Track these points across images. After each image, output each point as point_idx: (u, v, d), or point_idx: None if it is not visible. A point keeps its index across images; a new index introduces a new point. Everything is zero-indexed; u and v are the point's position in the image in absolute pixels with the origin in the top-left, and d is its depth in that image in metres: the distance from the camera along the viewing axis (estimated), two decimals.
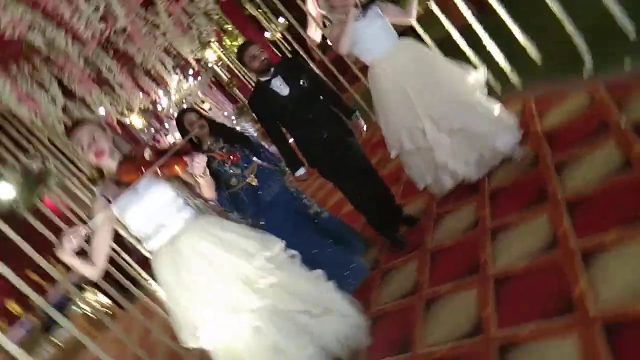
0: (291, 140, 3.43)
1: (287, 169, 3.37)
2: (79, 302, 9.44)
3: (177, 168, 2.13)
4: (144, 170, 2.09)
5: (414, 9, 3.20)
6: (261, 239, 2.40)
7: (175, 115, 3.40)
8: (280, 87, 3.17)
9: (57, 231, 3.43)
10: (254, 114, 3.53)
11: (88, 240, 2.09)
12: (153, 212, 2.22)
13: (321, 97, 3.30)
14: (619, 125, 2.66)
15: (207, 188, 2.31)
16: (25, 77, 4.93)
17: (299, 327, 2.32)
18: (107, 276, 4.10)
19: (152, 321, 4.32)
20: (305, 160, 3.36)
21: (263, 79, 3.20)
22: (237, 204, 3.20)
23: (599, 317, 1.83)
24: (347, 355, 2.43)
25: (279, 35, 10.11)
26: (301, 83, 3.18)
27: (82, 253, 2.08)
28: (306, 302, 2.36)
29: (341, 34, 3.02)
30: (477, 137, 3.06)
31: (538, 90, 3.72)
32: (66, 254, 1.99)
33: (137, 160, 2.14)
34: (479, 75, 3.14)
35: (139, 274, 4.60)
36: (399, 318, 2.74)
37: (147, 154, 2.15)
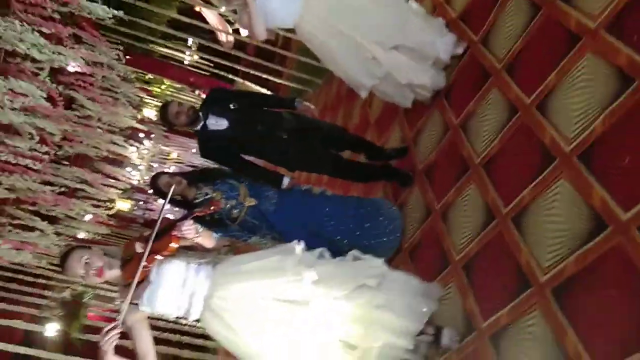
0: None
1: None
2: None
3: (172, 245, 2.20)
4: (145, 263, 2.15)
5: None
6: (279, 251, 2.43)
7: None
8: (218, 123, 3.16)
9: None
10: (212, 162, 3.50)
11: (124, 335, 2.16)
12: (177, 289, 2.25)
13: (256, 108, 3.33)
14: None
15: (206, 241, 2.39)
16: (9, 229, 5.09)
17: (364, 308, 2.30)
18: None
19: None
20: (284, 167, 3.42)
21: (198, 126, 3.17)
22: (249, 228, 3.24)
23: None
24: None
25: (196, 57, 10.14)
26: (231, 107, 3.19)
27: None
28: (356, 278, 2.33)
29: (250, 17, 2.92)
30: (422, 46, 3.06)
31: None
32: (109, 355, 2.03)
33: (134, 258, 2.20)
34: None
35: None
36: (428, 242, 2.95)
37: (139, 246, 2.21)
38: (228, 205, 3.14)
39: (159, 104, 10.49)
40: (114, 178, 8.05)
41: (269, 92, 7.24)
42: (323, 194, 3.40)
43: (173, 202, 3.15)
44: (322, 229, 3.12)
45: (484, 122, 2.73)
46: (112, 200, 8.04)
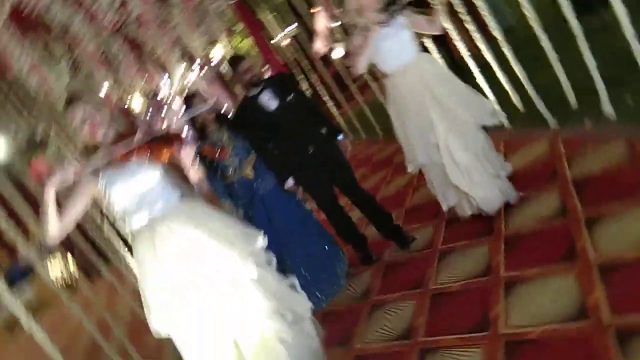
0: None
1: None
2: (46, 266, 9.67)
3: (166, 154, 2.19)
4: (136, 151, 2.14)
5: (440, 22, 3.09)
6: (244, 232, 2.40)
7: (178, 101, 3.22)
8: (269, 101, 3.21)
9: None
10: (239, 127, 3.37)
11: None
12: (139, 191, 2.23)
13: (307, 116, 3.35)
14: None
15: (193, 175, 2.34)
16: (39, 50, 5.18)
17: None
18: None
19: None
20: (290, 174, 3.36)
21: (251, 93, 3.22)
22: (230, 193, 3.25)
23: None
24: None
25: (284, 42, 10.43)
26: (288, 99, 3.24)
27: None
28: (282, 304, 2.32)
29: (363, 46, 2.90)
30: (491, 163, 3.03)
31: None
32: (53, 186, 2.04)
33: (128, 138, 2.18)
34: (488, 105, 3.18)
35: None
36: (344, 320, 3.05)
37: (140, 133, 2.20)
38: (230, 161, 3.17)
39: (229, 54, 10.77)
40: (150, 77, 8.20)
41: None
42: (308, 215, 3.45)
43: (193, 121, 3.11)
44: (284, 243, 3.16)
45: (462, 261, 2.88)
46: (133, 88, 8.15)
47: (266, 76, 3.39)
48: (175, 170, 2.33)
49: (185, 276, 2.18)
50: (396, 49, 2.96)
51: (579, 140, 3.25)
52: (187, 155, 2.26)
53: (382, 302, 3.01)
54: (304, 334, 2.42)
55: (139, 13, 5.73)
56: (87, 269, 8.06)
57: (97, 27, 4.98)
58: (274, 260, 2.46)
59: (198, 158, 2.42)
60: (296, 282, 2.52)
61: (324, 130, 3.40)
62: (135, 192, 2.23)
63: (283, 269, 2.71)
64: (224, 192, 3.22)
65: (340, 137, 3.44)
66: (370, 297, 3.12)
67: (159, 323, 2.21)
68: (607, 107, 3.23)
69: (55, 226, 2.13)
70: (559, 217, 2.69)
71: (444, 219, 3.41)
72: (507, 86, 4.00)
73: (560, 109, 3.68)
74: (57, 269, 9.98)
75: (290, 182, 3.28)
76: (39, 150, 3.93)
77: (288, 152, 3.30)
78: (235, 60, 3.30)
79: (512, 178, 3.12)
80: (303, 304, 2.47)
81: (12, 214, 3.54)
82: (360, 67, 2.95)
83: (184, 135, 2.36)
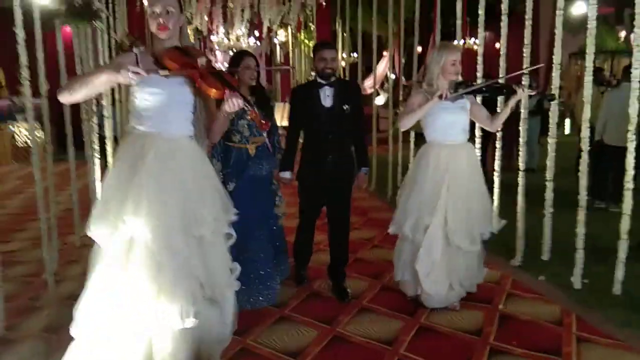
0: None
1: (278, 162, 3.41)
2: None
3: (214, 90, 2.10)
4: (188, 67, 2.07)
5: (499, 123, 3.16)
6: (225, 199, 2.33)
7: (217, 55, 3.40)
8: (327, 97, 3.18)
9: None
10: (289, 102, 3.50)
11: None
12: (164, 103, 2.14)
13: (348, 132, 3.30)
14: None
15: (219, 127, 2.32)
16: None
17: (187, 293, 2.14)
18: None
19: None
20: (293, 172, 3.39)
21: (320, 81, 3.20)
22: (225, 156, 3.25)
23: None
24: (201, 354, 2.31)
25: (342, 64, 10.65)
26: (344, 107, 3.19)
27: None
28: (207, 278, 2.22)
29: (420, 108, 2.96)
30: (466, 266, 3.09)
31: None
32: (107, 77, 2.00)
33: (187, 57, 2.12)
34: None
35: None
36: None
37: (202, 60, 2.13)
38: (242, 130, 3.19)
39: (290, 42, 10.94)
40: (210, 20, 8.35)
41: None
42: (275, 221, 3.46)
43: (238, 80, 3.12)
44: (249, 226, 3.08)
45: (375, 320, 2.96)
46: (189, 22, 8.28)
47: (337, 77, 3.31)
48: (203, 110, 2.27)
49: (148, 191, 2.07)
50: (449, 124, 3.01)
51: (525, 287, 3.47)
52: (232, 105, 2.13)
53: (290, 318, 3.06)
54: (216, 315, 2.31)
55: None
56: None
57: None
58: (233, 237, 2.37)
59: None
60: (237, 269, 2.39)
61: (353, 152, 3.39)
62: (161, 101, 2.14)
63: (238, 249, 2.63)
64: (219, 152, 3.23)
65: (364, 170, 3.42)
66: (284, 311, 3.15)
67: (96, 228, 2.09)
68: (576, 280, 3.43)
69: (72, 97, 2.09)
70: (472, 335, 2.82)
71: (382, 284, 3.55)
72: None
73: (532, 253, 3.91)
74: (25, 132, 9.86)
75: (287, 174, 3.33)
76: (87, 18, 3.83)
77: (309, 146, 3.31)
78: (318, 48, 3.24)
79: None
80: (231, 289, 2.36)
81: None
82: (407, 124, 3.02)
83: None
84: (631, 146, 3.17)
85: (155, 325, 2.08)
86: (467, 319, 3.02)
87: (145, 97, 2.14)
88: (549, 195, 3.78)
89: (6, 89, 10.15)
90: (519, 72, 3.38)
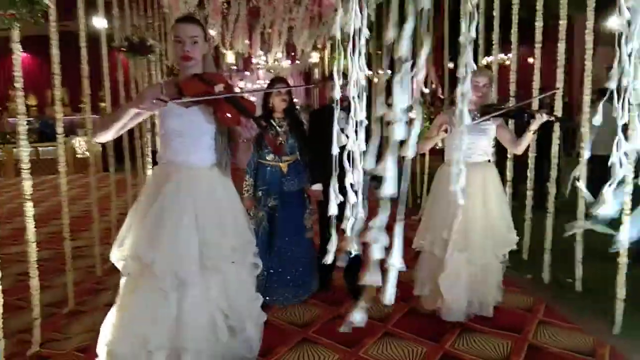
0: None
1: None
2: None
3: (229, 117, 2.10)
4: (205, 95, 2.07)
5: (524, 146, 3.15)
6: (245, 229, 2.32)
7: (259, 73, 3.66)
8: (341, 119, 3.35)
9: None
10: (308, 123, 3.63)
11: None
12: (184, 132, 2.17)
13: None
14: None
15: (242, 152, 2.32)
16: None
17: (210, 323, 2.16)
18: None
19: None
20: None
21: (339, 106, 3.45)
22: (259, 173, 3.44)
23: None
24: None
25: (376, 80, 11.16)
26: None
27: None
28: (230, 308, 2.20)
29: (432, 135, 3.07)
30: (485, 282, 3.13)
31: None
32: (136, 108, 2.02)
33: (206, 84, 2.10)
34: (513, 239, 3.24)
35: None
36: None
37: (220, 87, 2.11)
38: (269, 149, 3.38)
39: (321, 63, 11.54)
40: (251, 43, 9.03)
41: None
42: (304, 233, 3.56)
43: (266, 101, 3.38)
44: (280, 236, 3.42)
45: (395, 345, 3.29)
46: (232, 47, 8.99)
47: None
48: (224, 137, 2.26)
49: (164, 222, 2.10)
50: (467, 145, 3.01)
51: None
52: (247, 133, 2.23)
53: (313, 339, 3.06)
54: (241, 343, 2.31)
55: None
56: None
57: None
58: (259, 267, 2.39)
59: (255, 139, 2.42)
60: (260, 299, 2.42)
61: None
62: (181, 131, 2.17)
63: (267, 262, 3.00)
64: (254, 169, 3.43)
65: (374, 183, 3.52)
66: (308, 332, 3.17)
67: (118, 256, 2.16)
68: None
69: (107, 135, 2.14)
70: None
71: (409, 306, 3.46)
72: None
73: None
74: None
75: (318, 186, 3.46)
76: (143, 53, 4.52)
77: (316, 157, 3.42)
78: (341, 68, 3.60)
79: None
80: (255, 319, 2.37)
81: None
82: (425, 148, 3.24)
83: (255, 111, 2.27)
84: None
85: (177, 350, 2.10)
86: (494, 346, 2.96)
87: (167, 127, 2.19)
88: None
89: (69, 107, 11.30)
90: (528, 100, 3.44)
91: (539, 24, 4.00)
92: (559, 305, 3.53)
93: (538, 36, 4.01)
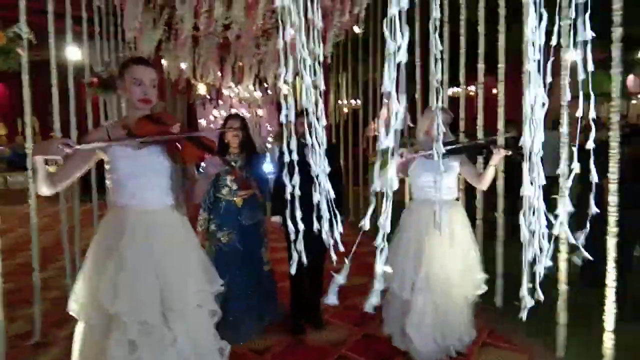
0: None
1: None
2: None
3: (193, 155, 2.15)
4: (162, 135, 2.07)
5: (488, 181, 3.13)
6: (209, 270, 2.33)
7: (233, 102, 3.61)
8: (309, 155, 3.50)
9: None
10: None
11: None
12: (138, 174, 2.13)
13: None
14: None
15: (200, 188, 2.34)
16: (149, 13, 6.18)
17: None
18: None
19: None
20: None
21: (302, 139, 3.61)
22: (214, 206, 3.53)
23: None
24: None
25: (345, 110, 11.45)
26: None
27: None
28: (193, 351, 2.17)
29: (406, 159, 3.10)
30: (450, 322, 3.10)
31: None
32: (41, 158, 1.93)
33: (160, 124, 2.11)
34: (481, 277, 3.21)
35: None
36: None
37: (176, 127, 2.13)
38: (231, 184, 3.50)
39: (291, 93, 11.84)
40: (223, 76, 9.19)
41: None
42: (262, 267, 3.64)
43: (222, 134, 3.49)
44: (239, 267, 3.48)
45: None
46: (202, 79, 9.12)
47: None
48: (179, 176, 2.24)
49: (125, 268, 2.06)
50: (430, 183, 3.07)
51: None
52: (213, 168, 2.26)
53: None
54: None
55: (242, 28, 6.65)
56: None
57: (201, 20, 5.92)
58: (218, 314, 2.34)
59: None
60: (227, 347, 2.39)
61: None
62: (134, 173, 2.13)
63: (226, 297, 2.95)
64: (208, 205, 3.54)
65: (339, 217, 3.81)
66: (264, 356, 3.33)
67: (77, 305, 2.13)
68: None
69: (45, 188, 2.06)
70: None
71: (363, 332, 3.68)
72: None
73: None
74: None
75: (278, 218, 3.51)
76: (111, 90, 4.58)
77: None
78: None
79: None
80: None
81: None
82: (398, 176, 3.13)
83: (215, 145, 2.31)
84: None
85: None
86: None
87: (119, 170, 2.12)
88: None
89: (39, 136, 11.25)
90: (492, 137, 3.48)
91: (501, 65, 4.08)
92: (507, 329, 3.67)
93: (501, 75, 4.10)
